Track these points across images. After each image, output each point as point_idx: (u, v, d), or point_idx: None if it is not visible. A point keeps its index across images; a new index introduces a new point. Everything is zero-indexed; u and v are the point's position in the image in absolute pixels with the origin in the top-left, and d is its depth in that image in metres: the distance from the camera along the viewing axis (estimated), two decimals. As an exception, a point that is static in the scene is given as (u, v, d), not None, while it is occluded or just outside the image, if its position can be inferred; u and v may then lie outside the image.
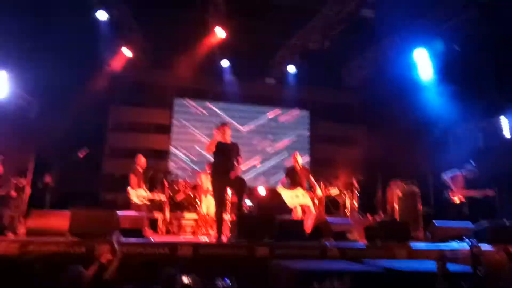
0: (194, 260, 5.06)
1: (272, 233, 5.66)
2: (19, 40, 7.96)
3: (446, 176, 7.82)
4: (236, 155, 6.20)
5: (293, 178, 7.43)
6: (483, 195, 7.55)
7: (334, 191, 8.55)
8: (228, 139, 6.20)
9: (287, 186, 7.45)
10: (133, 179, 7.51)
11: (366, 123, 11.58)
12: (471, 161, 7.93)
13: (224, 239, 6.00)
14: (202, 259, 5.10)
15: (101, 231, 5.18)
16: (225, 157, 6.11)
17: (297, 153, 7.74)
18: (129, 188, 7.46)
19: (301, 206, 7.23)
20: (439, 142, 9.42)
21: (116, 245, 4.22)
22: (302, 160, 7.75)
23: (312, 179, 7.54)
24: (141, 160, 7.83)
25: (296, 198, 7.23)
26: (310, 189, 7.57)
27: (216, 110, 12.25)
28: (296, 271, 3.78)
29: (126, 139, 11.14)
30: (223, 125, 6.29)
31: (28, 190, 7.36)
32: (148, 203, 7.49)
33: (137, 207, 7.30)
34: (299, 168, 7.51)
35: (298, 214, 7.20)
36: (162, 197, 7.76)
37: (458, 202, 7.60)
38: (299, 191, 7.35)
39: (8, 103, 8.35)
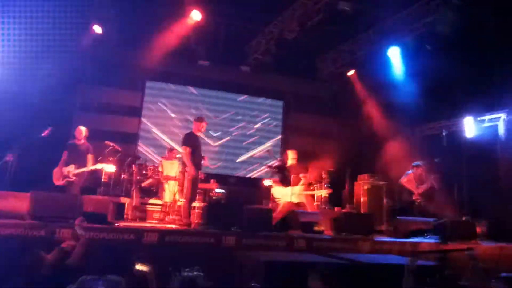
0: (159, 247, 5.00)
1: (241, 222, 5.67)
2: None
3: (403, 180, 8.11)
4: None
5: (285, 176, 7.46)
6: (431, 185, 7.86)
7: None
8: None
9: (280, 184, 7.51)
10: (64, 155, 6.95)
11: (339, 116, 11.72)
12: (435, 159, 8.22)
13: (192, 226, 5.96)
14: (168, 246, 5.04)
15: (63, 215, 5.01)
16: (199, 149, 6.70)
17: (289, 151, 7.83)
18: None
19: (297, 203, 7.28)
20: (407, 138, 9.67)
21: (79, 231, 4.09)
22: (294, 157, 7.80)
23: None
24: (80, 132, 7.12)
25: (286, 197, 7.23)
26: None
27: (189, 95, 12.02)
28: (262, 262, 3.79)
29: (94, 120, 10.74)
30: (202, 119, 6.86)
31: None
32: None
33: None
34: (292, 165, 7.54)
35: (281, 209, 7.23)
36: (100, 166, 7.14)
37: (418, 201, 7.88)
38: (295, 189, 7.32)
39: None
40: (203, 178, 7.84)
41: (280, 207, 7.26)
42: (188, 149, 6.40)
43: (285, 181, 7.42)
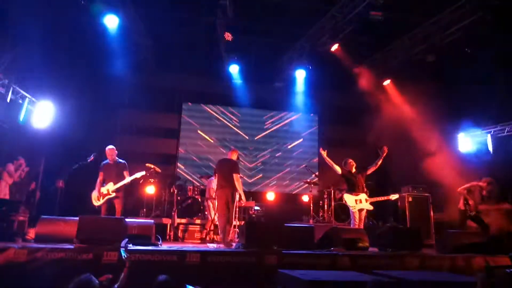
0: (202, 267, 5.02)
1: (281, 241, 5.58)
2: (30, 45, 8.00)
3: (462, 188, 7.67)
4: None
5: (352, 183, 7.41)
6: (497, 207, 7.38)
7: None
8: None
9: (348, 191, 7.44)
10: None
11: (377, 127, 11.42)
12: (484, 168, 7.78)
13: (232, 246, 5.95)
14: (210, 266, 5.05)
15: (110, 238, 5.15)
16: None
17: (350, 159, 7.67)
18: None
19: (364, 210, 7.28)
20: (450, 148, 9.25)
21: (124, 255, 4.17)
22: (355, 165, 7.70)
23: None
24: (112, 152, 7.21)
25: (360, 203, 7.19)
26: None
27: (225, 114, 12.20)
28: (305, 282, 3.69)
29: (134, 143, 11.15)
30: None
31: (38, 195, 7.40)
32: None
33: None
34: (355, 173, 7.49)
35: (356, 221, 7.13)
36: None
37: (473, 213, 7.44)
38: (363, 196, 7.31)
39: (17, 107, 8.41)
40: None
41: (358, 216, 7.24)
42: (239, 176, 6.85)
43: (355, 188, 7.35)
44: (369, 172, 7.57)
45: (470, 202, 7.49)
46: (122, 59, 10.07)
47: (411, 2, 8.43)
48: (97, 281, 3.44)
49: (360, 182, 7.44)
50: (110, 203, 6.88)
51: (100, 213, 6.77)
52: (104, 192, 6.86)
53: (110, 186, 6.86)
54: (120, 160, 7.17)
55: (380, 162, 7.47)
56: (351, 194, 7.32)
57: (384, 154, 7.44)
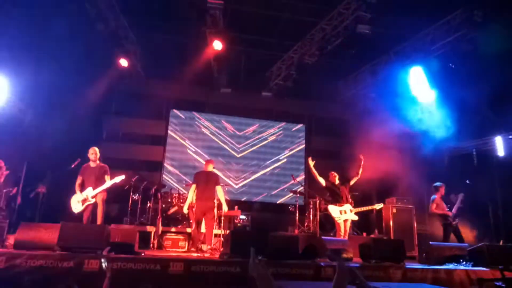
0: (185, 276, 4.97)
1: (266, 250, 5.57)
2: (17, 48, 7.92)
3: (432, 208, 7.77)
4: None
5: (336, 194, 7.53)
6: (461, 201, 7.57)
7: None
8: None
9: (332, 203, 7.55)
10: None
11: (363, 139, 11.56)
12: (467, 180, 7.94)
13: (216, 255, 5.90)
14: (194, 275, 5.01)
15: (92, 245, 5.08)
16: None
17: (333, 172, 7.86)
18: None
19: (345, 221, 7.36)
20: (435, 160, 9.40)
21: (104, 264, 4.10)
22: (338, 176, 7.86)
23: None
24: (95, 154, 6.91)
25: (344, 214, 7.26)
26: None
27: (212, 122, 12.20)
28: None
29: (120, 150, 11.03)
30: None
31: (19, 200, 7.22)
32: None
33: None
34: (339, 184, 7.64)
35: (341, 230, 7.20)
36: None
37: (454, 222, 7.56)
38: (346, 206, 7.42)
39: (2, 110, 8.27)
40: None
41: (343, 227, 7.35)
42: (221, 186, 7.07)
43: (339, 199, 7.48)
44: (352, 182, 7.71)
45: (448, 213, 7.59)
46: (109, 65, 10.03)
47: (397, 18, 8.61)
48: None
49: (344, 193, 7.56)
50: (90, 209, 6.61)
51: (81, 220, 6.60)
52: (83, 197, 6.60)
53: (89, 191, 6.61)
54: (102, 164, 6.94)
55: (360, 171, 7.62)
56: (336, 205, 7.42)
57: (362, 163, 7.60)
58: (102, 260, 4.23)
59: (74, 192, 6.72)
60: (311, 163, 7.63)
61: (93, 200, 6.62)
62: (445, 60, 9.32)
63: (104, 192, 6.73)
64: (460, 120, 9.27)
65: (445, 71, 9.47)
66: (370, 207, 7.81)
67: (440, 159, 9.87)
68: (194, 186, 7.00)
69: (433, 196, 7.80)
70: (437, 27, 8.80)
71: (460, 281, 5.47)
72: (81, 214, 6.63)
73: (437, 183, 7.86)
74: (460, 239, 7.42)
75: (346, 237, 7.19)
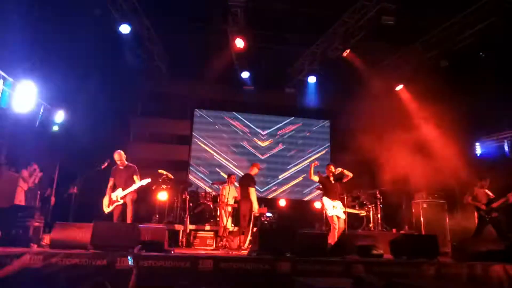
0: (214, 274, 5.00)
1: (294, 247, 5.54)
2: (45, 51, 8.16)
3: (467, 198, 7.52)
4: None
5: (328, 189, 7.37)
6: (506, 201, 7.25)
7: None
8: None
9: (325, 195, 7.41)
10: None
11: (390, 133, 11.32)
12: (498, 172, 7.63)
13: (245, 252, 5.92)
14: (223, 272, 5.03)
15: (123, 244, 5.18)
16: None
17: (332, 165, 7.60)
18: None
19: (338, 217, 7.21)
20: (466, 153, 9.09)
21: (131, 262, 4.18)
22: (335, 171, 7.57)
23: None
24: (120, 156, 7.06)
25: (334, 209, 7.15)
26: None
27: (237, 121, 12.23)
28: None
29: (147, 150, 11.22)
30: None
31: (53, 201, 7.47)
32: None
33: None
34: (333, 179, 7.43)
35: (335, 224, 7.08)
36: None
37: (494, 215, 7.26)
38: (337, 203, 7.25)
39: (34, 114, 8.55)
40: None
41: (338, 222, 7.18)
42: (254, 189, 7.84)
43: (330, 194, 7.32)
44: (344, 180, 7.50)
45: (482, 207, 7.32)
46: (134, 66, 10.21)
47: (423, 7, 8.35)
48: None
49: (336, 189, 7.38)
50: (120, 209, 6.82)
51: (112, 219, 6.77)
52: (113, 198, 6.82)
53: (119, 192, 6.82)
54: (130, 164, 7.10)
55: (346, 173, 7.41)
56: (329, 198, 7.26)
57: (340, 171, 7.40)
58: (129, 257, 4.31)
59: (104, 193, 6.92)
60: (313, 164, 7.43)
61: (121, 201, 6.79)
62: (474, 50, 8.99)
63: (134, 193, 6.88)
64: (488, 111, 8.94)
65: (473, 61, 9.13)
66: (356, 211, 8.15)
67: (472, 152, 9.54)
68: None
69: (473, 187, 7.54)
70: (466, 15, 8.47)
71: (497, 277, 5.25)
72: (111, 214, 6.81)
73: (484, 177, 7.58)
74: (500, 232, 7.10)
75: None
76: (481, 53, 8.97)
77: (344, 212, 7.38)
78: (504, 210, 7.34)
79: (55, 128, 8.42)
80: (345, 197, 8.99)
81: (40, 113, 8.05)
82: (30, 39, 7.43)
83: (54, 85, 8.58)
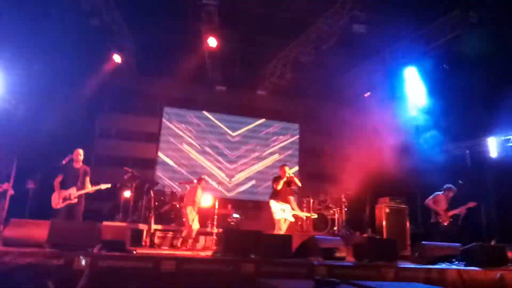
0: (177, 275, 4.91)
1: (259, 249, 5.54)
2: (8, 42, 7.79)
3: (429, 201, 7.80)
4: None
5: (278, 191, 7.29)
6: (466, 209, 7.59)
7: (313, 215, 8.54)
8: None
9: (273, 198, 7.30)
10: None
11: (357, 138, 11.59)
12: (460, 180, 7.97)
13: (209, 253, 5.86)
14: (186, 274, 4.95)
15: (82, 243, 5.00)
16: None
17: (286, 166, 7.56)
18: None
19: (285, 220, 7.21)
20: (428, 160, 9.44)
21: (83, 263, 4.04)
22: (291, 172, 7.52)
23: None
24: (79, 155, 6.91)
25: (282, 212, 7.15)
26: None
27: (206, 120, 12.14)
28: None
29: (113, 147, 10.94)
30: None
31: (8, 197, 7.12)
32: None
33: None
34: (286, 182, 7.38)
35: (281, 228, 7.11)
36: None
37: (446, 223, 7.58)
38: (287, 206, 7.26)
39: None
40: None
41: (284, 226, 7.20)
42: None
43: (280, 198, 7.25)
44: (292, 187, 7.48)
45: (440, 212, 7.63)
46: (103, 61, 9.92)
47: (392, 17, 8.60)
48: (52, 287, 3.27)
49: (286, 193, 7.37)
50: (69, 207, 6.60)
51: (58, 216, 6.50)
52: (66, 196, 6.61)
53: (73, 191, 6.62)
54: (84, 166, 6.94)
55: (297, 182, 7.43)
56: (277, 201, 7.25)
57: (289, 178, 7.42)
58: (81, 257, 4.16)
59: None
60: (288, 171, 7.41)
61: (75, 200, 6.61)
62: (439, 61, 9.35)
63: (84, 194, 6.77)
64: (454, 120, 9.31)
65: (439, 72, 9.50)
66: (306, 214, 8.13)
67: (434, 159, 9.89)
68: None
69: (436, 192, 7.82)
70: (432, 28, 8.81)
71: (452, 280, 5.47)
72: (59, 211, 6.58)
73: (448, 185, 7.85)
74: (449, 240, 7.40)
75: None
76: (444, 65, 9.32)
77: (294, 215, 7.39)
78: (455, 220, 7.69)
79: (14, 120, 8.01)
80: (311, 200, 9.12)
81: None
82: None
83: (16, 76, 8.21)
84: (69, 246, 4.90)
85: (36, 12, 8.08)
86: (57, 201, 6.58)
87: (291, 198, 7.62)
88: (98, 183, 6.81)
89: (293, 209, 7.41)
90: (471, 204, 7.66)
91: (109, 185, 6.89)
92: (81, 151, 6.90)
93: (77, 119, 9.78)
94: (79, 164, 6.84)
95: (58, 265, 4.64)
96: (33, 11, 8.04)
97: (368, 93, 11.25)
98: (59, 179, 6.70)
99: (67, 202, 6.56)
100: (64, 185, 6.66)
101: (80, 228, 5.23)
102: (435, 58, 9.23)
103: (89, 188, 6.73)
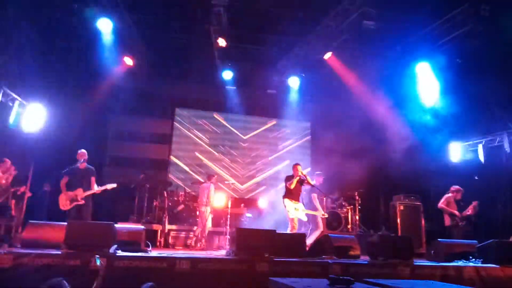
0: (192, 274, 4.95)
1: (272, 248, 5.54)
2: (19, 48, 7.94)
3: (442, 204, 7.71)
4: None
5: (291, 190, 7.30)
6: (473, 207, 7.50)
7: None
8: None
9: (287, 197, 7.30)
10: None
11: (369, 136, 11.51)
12: (476, 176, 7.85)
13: (223, 253, 5.89)
14: (200, 273, 4.99)
15: (98, 243, 5.07)
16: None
17: (299, 164, 7.54)
18: None
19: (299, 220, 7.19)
20: (441, 157, 9.33)
21: (99, 264, 4.09)
22: (303, 171, 7.52)
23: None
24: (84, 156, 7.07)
25: (296, 211, 7.14)
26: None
27: (218, 121, 12.18)
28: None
29: (126, 149, 11.06)
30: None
31: (26, 200, 7.25)
32: None
33: None
34: (297, 181, 7.36)
35: (295, 227, 7.10)
36: None
37: (461, 223, 7.49)
38: (300, 205, 7.25)
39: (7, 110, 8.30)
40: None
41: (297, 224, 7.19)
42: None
43: (294, 197, 7.28)
44: (305, 184, 7.45)
45: (456, 213, 7.54)
46: (115, 64, 10.04)
47: (402, 13, 8.52)
48: (68, 286, 3.30)
49: (299, 192, 7.37)
50: (77, 208, 6.74)
51: (68, 218, 6.61)
52: (73, 197, 6.72)
53: (80, 193, 6.72)
54: (89, 166, 7.06)
55: (309, 179, 7.41)
56: (291, 200, 7.23)
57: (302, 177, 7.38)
58: (96, 257, 4.21)
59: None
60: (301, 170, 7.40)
61: (82, 202, 6.73)
62: (451, 56, 9.22)
63: (91, 195, 6.91)
64: (468, 116, 9.18)
65: (452, 66, 9.36)
66: (317, 213, 7.89)
67: (447, 156, 9.76)
68: None
69: (447, 194, 7.74)
70: (443, 22, 8.68)
71: (470, 278, 5.39)
72: (68, 212, 6.71)
73: (455, 186, 7.81)
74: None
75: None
76: (458, 60, 9.18)
77: (306, 214, 7.39)
78: (469, 220, 7.60)
79: (30, 125, 8.14)
80: (325, 198, 9.06)
81: (15, 109, 7.81)
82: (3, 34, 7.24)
83: (29, 80, 8.35)
84: (85, 247, 4.98)
85: (47, 15, 8.23)
86: (64, 202, 6.70)
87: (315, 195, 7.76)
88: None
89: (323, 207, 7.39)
90: (474, 203, 7.61)
91: (115, 185, 7.00)
92: (85, 151, 6.98)
93: (90, 122, 9.92)
94: (83, 165, 6.94)
95: (75, 266, 4.73)
96: (45, 14, 8.18)
97: (380, 90, 11.11)
98: (64, 181, 6.82)
99: (74, 203, 6.67)
100: (70, 187, 6.77)
101: (96, 229, 5.29)
102: (447, 53, 9.09)
103: (96, 188, 6.83)
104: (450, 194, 7.76)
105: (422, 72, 9.88)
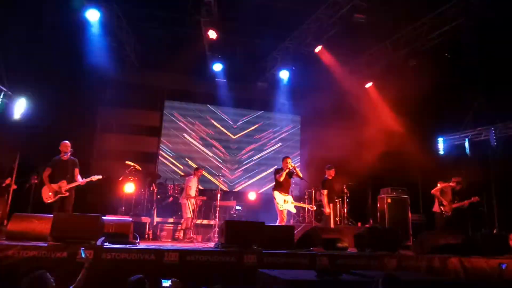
0: (180, 266, 4.95)
1: (261, 240, 5.56)
2: (4, 37, 7.77)
3: (436, 191, 7.82)
4: None
5: (281, 183, 7.32)
6: (469, 203, 7.64)
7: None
8: None
9: (277, 189, 7.33)
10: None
11: (359, 130, 11.58)
12: (462, 170, 7.97)
13: (212, 244, 5.89)
14: (189, 265, 4.99)
15: (85, 236, 5.03)
16: None
17: (289, 157, 7.56)
18: None
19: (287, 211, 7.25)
20: (429, 150, 9.44)
21: (83, 255, 4.05)
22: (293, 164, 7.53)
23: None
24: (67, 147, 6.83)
25: (285, 204, 7.18)
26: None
27: (207, 113, 12.12)
28: (284, 281, 3.67)
29: (115, 141, 10.94)
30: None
31: (12, 191, 7.15)
32: None
33: None
34: (288, 173, 7.39)
35: (284, 219, 7.15)
36: None
37: (449, 214, 7.61)
38: (289, 197, 7.29)
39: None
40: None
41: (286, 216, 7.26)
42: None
43: (283, 189, 7.32)
44: (294, 177, 7.53)
45: (444, 203, 7.65)
46: (103, 55, 9.88)
47: (394, 7, 8.53)
48: (51, 279, 3.25)
49: (288, 184, 7.43)
50: (60, 200, 6.61)
51: (52, 210, 6.50)
52: (56, 189, 6.59)
53: (64, 185, 6.60)
54: (72, 157, 6.90)
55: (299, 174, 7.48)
56: (281, 193, 7.28)
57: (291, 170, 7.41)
58: (81, 249, 4.17)
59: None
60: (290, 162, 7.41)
61: (66, 194, 6.59)
62: (441, 50, 9.29)
63: (75, 187, 6.77)
64: (455, 110, 9.29)
65: (441, 61, 9.44)
66: (306, 205, 8.31)
67: (435, 149, 9.89)
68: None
69: (446, 183, 7.86)
70: (434, 17, 8.72)
71: (454, 269, 5.49)
72: (51, 205, 6.58)
73: (457, 177, 7.90)
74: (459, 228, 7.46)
75: None
76: (446, 54, 9.26)
77: (295, 206, 7.45)
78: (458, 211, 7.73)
79: (16, 116, 8.00)
80: (313, 191, 9.13)
81: (0, 100, 7.67)
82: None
83: (16, 71, 8.19)
84: (72, 239, 4.93)
85: (33, 7, 8.05)
86: (47, 195, 6.55)
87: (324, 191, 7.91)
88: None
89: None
90: (475, 199, 7.76)
91: (100, 176, 6.89)
92: (68, 143, 6.84)
93: (79, 114, 9.77)
94: (67, 157, 6.78)
95: (61, 258, 4.69)
96: (30, 5, 8.01)
97: (370, 83, 11.18)
98: (47, 172, 6.64)
99: (59, 195, 6.56)
100: (53, 179, 6.62)
101: (83, 221, 5.24)
102: (436, 47, 9.15)
103: (80, 180, 6.70)
104: (449, 184, 7.84)
105: (409, 66, 9.91)
